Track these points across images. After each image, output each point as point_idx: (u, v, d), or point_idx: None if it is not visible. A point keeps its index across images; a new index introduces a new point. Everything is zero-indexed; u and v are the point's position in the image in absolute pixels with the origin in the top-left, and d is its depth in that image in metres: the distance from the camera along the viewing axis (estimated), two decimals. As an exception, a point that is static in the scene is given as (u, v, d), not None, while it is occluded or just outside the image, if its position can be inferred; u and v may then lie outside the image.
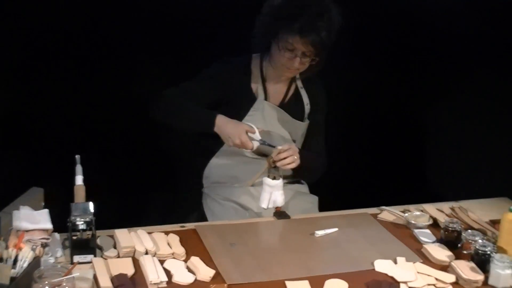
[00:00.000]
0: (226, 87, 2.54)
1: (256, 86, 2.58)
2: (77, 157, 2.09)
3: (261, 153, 2.54)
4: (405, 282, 1.92)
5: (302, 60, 2.44)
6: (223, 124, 2.39)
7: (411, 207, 2.43)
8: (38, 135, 2.96)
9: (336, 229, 2.24)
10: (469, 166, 3.27)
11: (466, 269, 1.96)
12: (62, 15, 2.87)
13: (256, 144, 2.38)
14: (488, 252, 1.98)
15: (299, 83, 2.65)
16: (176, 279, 1.86)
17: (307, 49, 2.41)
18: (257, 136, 2.39)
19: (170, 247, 2.02)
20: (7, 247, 1.76)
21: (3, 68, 2.85)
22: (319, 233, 2.21)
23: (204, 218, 2.59)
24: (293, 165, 2.37)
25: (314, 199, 2.67)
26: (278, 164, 2.34)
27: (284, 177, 2.45)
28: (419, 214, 2.33)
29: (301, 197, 2.62)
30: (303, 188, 2.71)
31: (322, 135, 2.71)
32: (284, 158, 2.34)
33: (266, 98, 2.58)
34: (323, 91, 2.70)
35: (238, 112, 2.52)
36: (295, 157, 2.37)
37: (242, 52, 2.60)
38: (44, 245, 1.88)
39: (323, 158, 2.69)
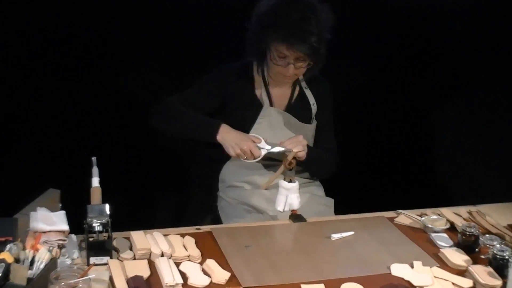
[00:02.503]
0: (228, 94, 2.52)
1: (259, 92, 2.56)
2: (94, 159, 2.10)
3: (274, 157, 2.54)
4: (421, 287, 1.90)
5: (297, 65, 2.40)
6: (227, 132, 2.37)
7: (428, 210, 2.42)
8: (55, 137, 2.98)
9: (352, 233, 2.23)
10: (487, 170, 3.25)
11: (483, 274, 1.94)
12: (76, 22, 2.90)
13: (263, 152, 2.37)
14: (506, 257, 1.96)
15: (303, 84, 2.61)
16: (192, 281, 1.86)
17: (298, 55, 2.37)
18: (264, 144, 2.38)
19: (186, 250, 2.02)
20: (24, 248, 1.77)
21: (20, 71, 2.88)
22: (335, 236, 2.20)
23: (218, 222, 2.59)
24: (302, 154, 2.35)
25: (330, 202, 2.65)
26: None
27: (296, 173, 2.40)
28: (436, 218, 2.31)
29: (317, 200, 2.61)
30: (319, 190, 2.69)
31: (331, 131, 2.67)
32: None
33: (271, 104, 2.56)
34: (328, 88, 2.66)
35: (245, 121, 2.50)
36: (302, 144, 2.35)
37: (245, 57, 2.56)
38: (60, 247, 1.89)
39: (333, 153, 2.66)
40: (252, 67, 2.56)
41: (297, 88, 2.61)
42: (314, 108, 2.61)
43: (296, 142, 2.35)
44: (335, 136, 2.68)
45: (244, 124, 2.48)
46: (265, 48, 2.42)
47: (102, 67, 3.01)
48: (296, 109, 2.59)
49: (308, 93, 2.61)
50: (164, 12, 3.01)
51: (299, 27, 2.31)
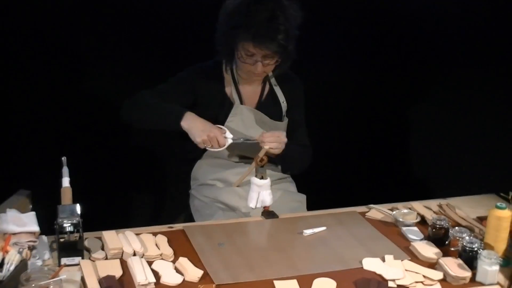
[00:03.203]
0: (199, 92, 2.52)
1: (230, 90, 2.56)
2: (63, 159, 2.08)
3: (246, 155, 2.54)
4: (393, 280, 1.92)
5: (264, 63, 2.40)
6: (193, 119, 2.35)
7: (399, 205, 2.44)
8: (25, 138, 2.95)
9: (324, 228, 2.24)
10: (456, 163, 3.29)
11: (453, 266, 1.97)
12: (48, 19, 2.86)
13: (229, 142, 2.37)
14: (476, 249, 1.99)
15: (273, 81, 2.62)
16: (164, 280, 1.85)
17: (266, 53, 2.37)
18: (229, 134, 2.37)
19: (158, 248, 2.02)
20: (-7, 251, 1.75)
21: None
22: (307, 232, 2.21)
23: (191, 220, 2.58)
24: (277, 151, 2.36)
25: (302, 197, 2.66)
26: (265, 143, 2.33)
27: (270, 163, 2.39)
28: (407, 212, 2.33)
29: (289, 196, 2.62)
30: (291, 187, 2.70)
31: (303, 127, 2.68)
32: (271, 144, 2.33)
33: (241, 102, 2.56)
34: (299, 85, 2.67)
35: (217, 119, 2.49)
36: (281, 141, 2.36)
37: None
38: (31, 248, 1.88)
39: (307, 148, 2.67)
40: (222, 66, 2.56)
41: (267, 86, 2.62)
42: (284, 105, 2.62)
43: (275, 138, 2.36)
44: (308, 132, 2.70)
45: (216, 123, 2.47)
46: (234, 47, 2.42)
47: (71, 67, 2.98)
48: (267, 106, 2.59)
49: (278, 90, 2.61)
50: (136, 10, 2.99)
51: (266, 25, 2.31)
